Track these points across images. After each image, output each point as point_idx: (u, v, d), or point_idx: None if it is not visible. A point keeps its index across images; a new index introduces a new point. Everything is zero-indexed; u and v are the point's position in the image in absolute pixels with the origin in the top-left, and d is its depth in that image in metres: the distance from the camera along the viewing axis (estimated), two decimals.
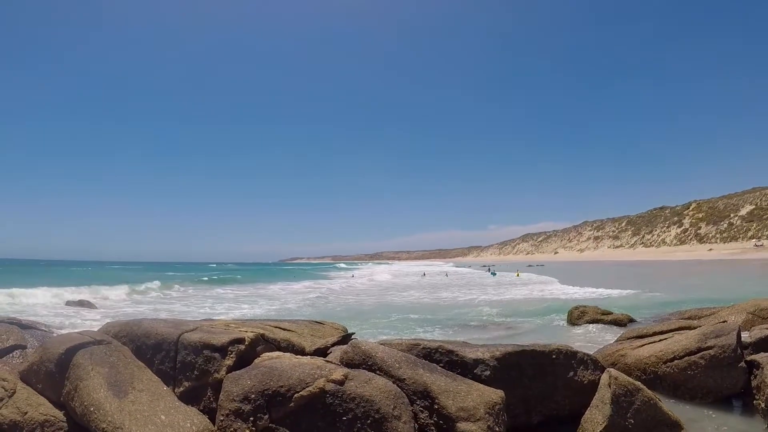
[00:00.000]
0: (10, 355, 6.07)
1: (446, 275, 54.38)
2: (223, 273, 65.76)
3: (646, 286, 27.45)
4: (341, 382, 4.77)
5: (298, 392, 4.71)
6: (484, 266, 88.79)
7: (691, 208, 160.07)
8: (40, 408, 4.98)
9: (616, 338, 8.86)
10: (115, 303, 22.70)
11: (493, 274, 53.77)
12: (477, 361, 5.61)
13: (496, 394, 5.02)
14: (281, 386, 4.75)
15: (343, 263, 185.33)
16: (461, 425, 4.70)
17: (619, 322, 12.35)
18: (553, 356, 5.79)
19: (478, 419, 4.72)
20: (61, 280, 32.92)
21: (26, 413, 4.86)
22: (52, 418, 4.93)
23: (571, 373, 5.78)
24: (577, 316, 12.90)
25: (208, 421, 4.91)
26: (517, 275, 48.29)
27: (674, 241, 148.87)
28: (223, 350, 5.47)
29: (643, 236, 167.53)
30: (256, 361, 5.48)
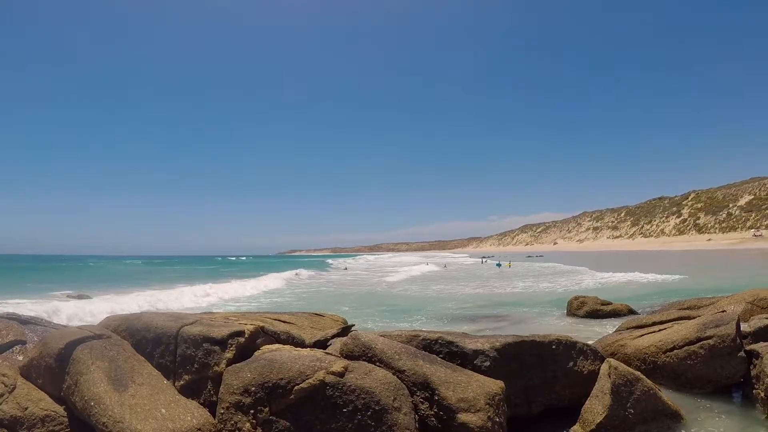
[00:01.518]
0: (10, 350, 6.06)
1: (444, 266, 54.42)
2: (282, 265, 62.55)
3: (675, 272, 28.27)
4: (341, 374, 4.77)
5: (298, 384, 4.71)
6: (484, 257, 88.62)
7: (689, 198, 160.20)
8: (41, 403, 4.98)
9: (615, 328, 8.87)
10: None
11: (498, 264, 53.75)
12: (477, 352, 5.61)
13: (496, 385, 5.04)
14: (281, 378, 4.75)
15: (370, 255, 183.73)
16: (462, 416, 4.71)
17: (618, 313, 12.39)
18: (553, 346, 5.79)
19: (479, 410, 4.73)
20: (140, 280, 30.48)
21: (27, 408, 4.87)
22: (53, 413, 4.93)
23: (571, 363, 5.79)
24: (577, 306, 12.92)
25: (209, 414, 4.92)
26: (509, 266, 48.42)
27: (673, 231, 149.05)
28: (223, 343, 5.46)
29: (642, 226, 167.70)
30: (256, 353, 5.47)
